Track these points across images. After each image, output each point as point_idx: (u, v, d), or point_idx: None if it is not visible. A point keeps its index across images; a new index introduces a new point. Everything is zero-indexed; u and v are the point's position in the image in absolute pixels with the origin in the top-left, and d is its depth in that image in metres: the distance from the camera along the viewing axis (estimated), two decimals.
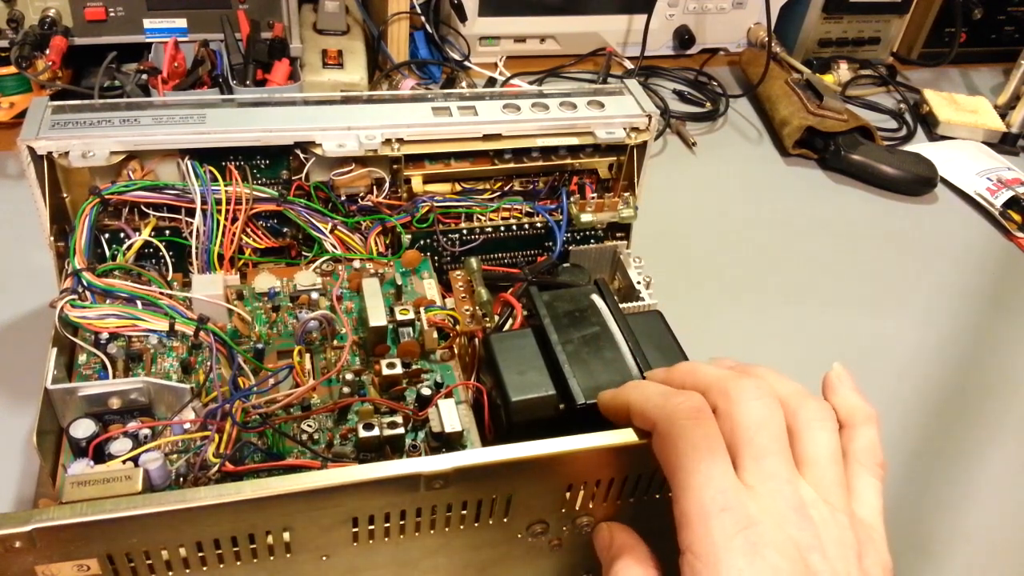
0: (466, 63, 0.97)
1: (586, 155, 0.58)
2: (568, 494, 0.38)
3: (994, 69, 1.17)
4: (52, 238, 0.50)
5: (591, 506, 0.39)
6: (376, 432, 0.42)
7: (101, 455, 0.40)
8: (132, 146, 0.50)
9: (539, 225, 0.58)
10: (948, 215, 0.86)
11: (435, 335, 0.49)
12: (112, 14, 0.78)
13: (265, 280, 0.51)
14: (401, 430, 0.42)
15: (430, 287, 0.53)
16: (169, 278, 0.51)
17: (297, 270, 0.53)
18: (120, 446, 0.39)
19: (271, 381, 0.44)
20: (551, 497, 0.38)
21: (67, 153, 0.48)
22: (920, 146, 0.96)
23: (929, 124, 1.01)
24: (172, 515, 0.32)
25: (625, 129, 0.57)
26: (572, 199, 0.58)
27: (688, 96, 1.00)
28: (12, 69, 0.74)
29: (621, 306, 0.47)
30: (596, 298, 0.46)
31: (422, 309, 0.49)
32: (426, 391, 0.45)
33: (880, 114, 1.03)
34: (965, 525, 0.55)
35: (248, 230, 0.53)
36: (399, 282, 0.51)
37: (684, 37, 1.06)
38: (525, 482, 0.36)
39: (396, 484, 0.34)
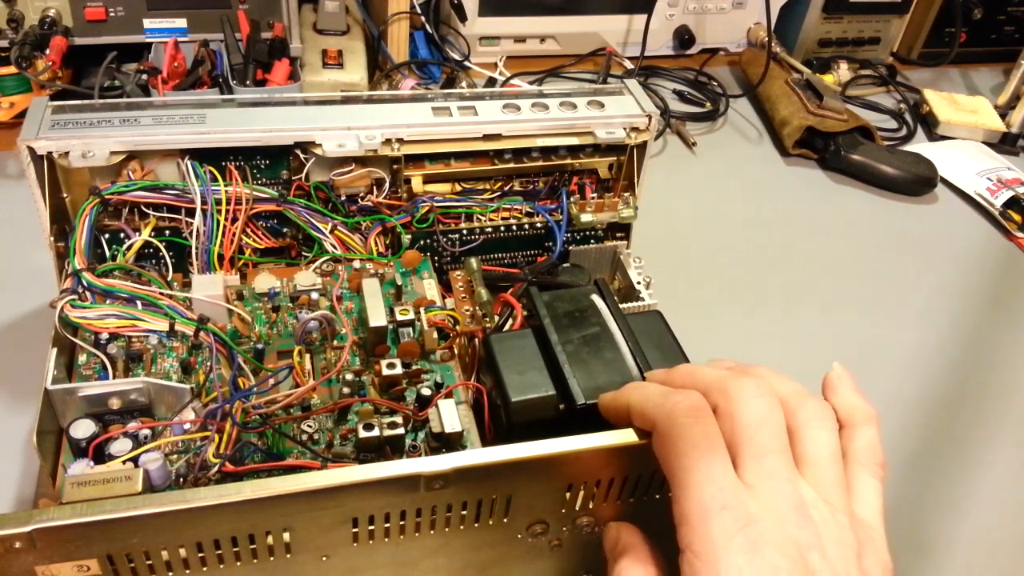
0: (466, 63, 0.97)
1: (586, 155, 0.58)
2: (568, 494, 0.38)
3: (994, 69, 1.17)
4: (52, 238, 0.50)
5: (591, 506, 0.39)
6: (376, 432, 0.42)
7: (101, 455, 0.40)
8: (132, 146, 0.50)
9: (539, 225, 0.58)
10: (948, 215, 0.86)
11: (435, 335, 0.49)
12: (112, 14, 0.78)
13: (265, 280, 0.51)
14: (401, 430, 0.42)
15: (430, 287, 0.53)
16: (169, 278, 0.51)
17: (297, 270, 0.53)
18: (120, 446, 0.39)
19: (271, 381, 0.44)
20: (551, 497, 0.38)
21: (67, 153, 0.48)
22: (920, 146, 0.96)
23: (929, 124, 1.01)
24: (172, 515, 0.32)
25: (625, 129, 0.57)
26: (572, 199, 0.58)
27: (688, 96, 1.00)
28: (12, 69, 0.74)
29: (621, 306, 0.47)
30: (596, 298, 0.46)
31: (422, 309, 0.49)
32: (426, 391, 0.45)
33: (880, 114, 1.03)
34: (965, 525, 0.55)
35: (248, 230, 0.53)
36: (399, 282, 0.51)
37: (684, 37, 1.06)
38: (525, 482, 0.36)
39: (396, 484, 0.34)
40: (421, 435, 0.44)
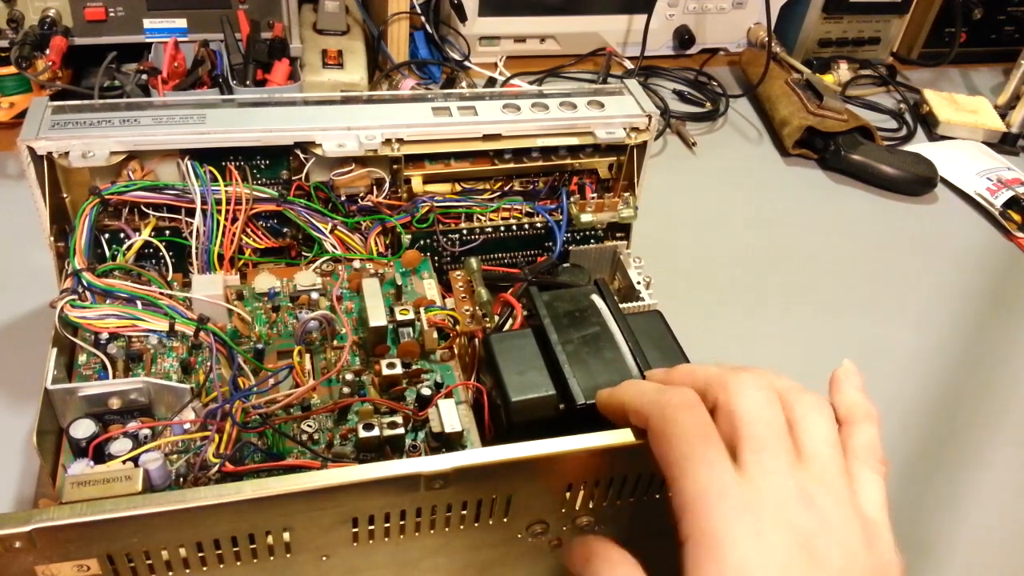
0: (466, 63, 0.97)
1: (586, 155, 0.58)
2: (568, 494, 0.38)
3: (994, 69, 1.17)
4: (52, 238, 0.50)
5: (591, 506, 0.39)
6: (376, 432, 0.42)
7: (101, 455, 0.40)
8: (132, 146, 0.50)
9: (539, 225, 0.58)
10: (948, 215, 0.86)
11: (435, 335, 0.49)
12: (112, 14, 0.77)
13: (265, 280, 0.51)
14: (401, 430, 0.42)
15: (430, 287, 0.53)
16: (169, 278, 0.51)
17: (297, 270, 0.53)
18: (120, 446, 0.39)
19: (271, 381, 0.44)
20: (551, 497, 0.38)
21: (67, 153, 0.48)
22: (920, 146, 0.96)
23: (929, 124, 1.01)
24: (172, 515, 0.32)
25: (625, 129, 0.57)
26: (572, 199, 0.58)
27: (688, 96, 1.00)
28: (12, 69, 0.74)
29: (621, 306, 0.47)
30: (596, 298, 0.46)
31: (422, 309, 0.49)
32: (426, 391, 0.45)
33: (880, 114, 1.03)
34: (965, 525, 0.55)
35: (248, 230, 0.53)
36: (399, 282, 0.51)
37: (684, 37, 1.06)
38: (525, 482, 0.36)
39: (396, 484, 0.34)
40: (421, 435, 0.44)
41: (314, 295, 0.51)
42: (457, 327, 0.50)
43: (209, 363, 0.45)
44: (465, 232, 0.57)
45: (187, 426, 0.42)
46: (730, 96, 1.00)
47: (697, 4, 1.06)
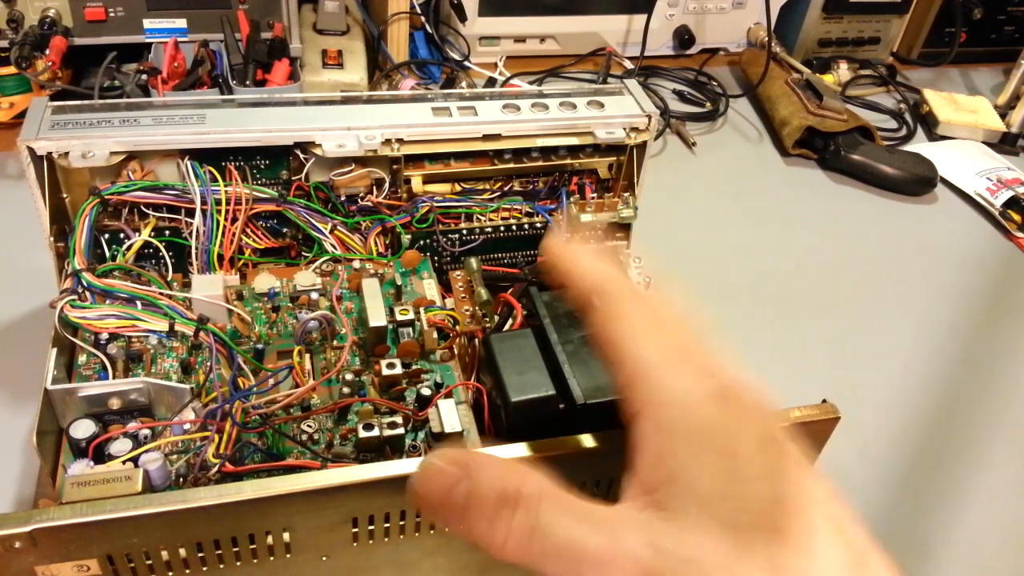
0: (466, 63, 0.97)
1: (586, 155, 0.58)
2: None
3: (994, 69, 1.17)
4: (52, 238, 0.50)
5: None
6: (376, 432, 0.42)
7: (101, 455, 0.40)
8: (132, 146, 0.50)
9: (539, 225, 0.58)
10: (948, 215, 0.86)
11: (435, 335, 0.49)
12: (112, 14, 0.77)
13: (265, 280, 0.51)
14: (401, 430, 0.42)
15: (430, 287, 0.53)
16: (169, 278, 0.51)
17: (297, 270, 0.53)
18: (120, 446, 0.39)
19: (271, 381, 0.44)
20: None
21: (67, 153, 0.48)
22: (920, 146, 0.96)
23: (929, 124, 1.01)
24: (172, 515, 0.32)
25: (625, 129, 0.57)
26: (572, 199, 0.58)
27: (688, 96, 1.00)
28: (12, 69, 0.74)
29: None
30: None
31: (422, 309, 0.49)
32: (426, 391, 0.45)
33: (880, 114, 1.02)
34: (965, 525, 0.55)
35: (248, 230, 0.53)
36: (399, 282, 0.51)
37: (684, 37, 1.06)
38: None
39: (396, 484, 0.34)
40: (421, 435, 0.44)
41: (314, 295, 0.51)
42: (457, 327, 0.50)
43: (209, 363, 0.45)
44: (465, 232, 0.57)
45: (187, 426, 0.42)
46: (730, 96, 1.00)
47: (697, 4, 1.06)
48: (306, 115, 0.53)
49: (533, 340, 0.44)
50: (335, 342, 0.48)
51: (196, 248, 0.51)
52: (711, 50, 1.10)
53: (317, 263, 0.53)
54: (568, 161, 0.58)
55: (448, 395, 0.45)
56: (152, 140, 0.50)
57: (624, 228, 0.60)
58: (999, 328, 0.72)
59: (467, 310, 0.51)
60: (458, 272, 0.55)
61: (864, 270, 0.77)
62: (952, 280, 0.77)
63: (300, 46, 0.83)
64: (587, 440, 0.36)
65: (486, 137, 0.55)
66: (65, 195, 0.51)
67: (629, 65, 1.03)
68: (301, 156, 0.53)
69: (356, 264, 0.53)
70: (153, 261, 0.52)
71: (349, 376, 0.45)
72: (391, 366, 0.45)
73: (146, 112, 0.51)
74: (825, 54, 1.10)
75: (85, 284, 0.47)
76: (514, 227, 0.58)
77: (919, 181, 0.88)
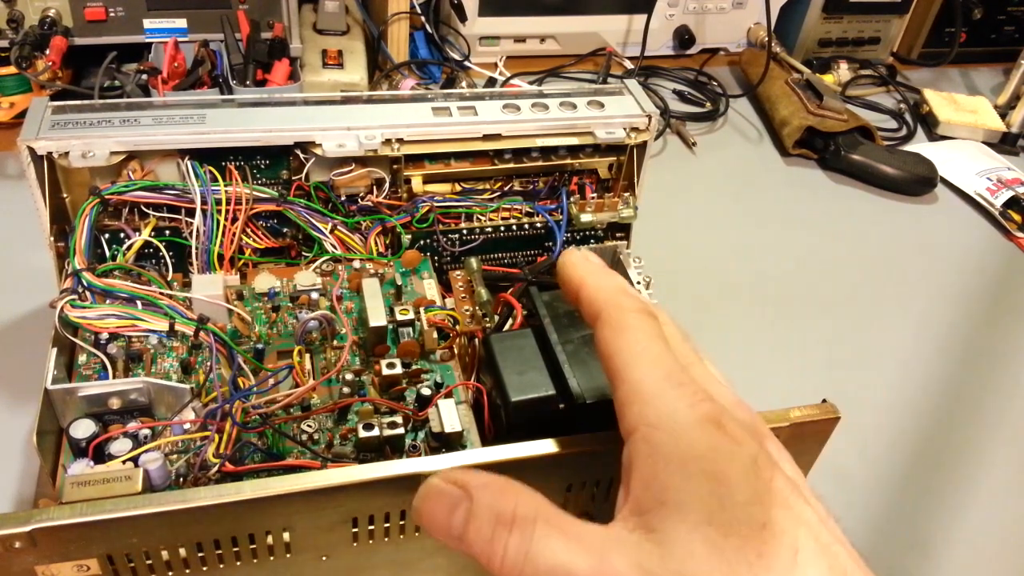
0: (466, 63, 0.97)
1: (586, 155, 0.58)
2: (568, 494, 0.38)
3: (994, 69, 1.17)
4: (52, 238, 0.50)
5: (591, 506, 0.39)
6: (376, 432, 0.42)
7: (101, 455, 0.40)
8: (132, 146, 0.50)
9: (539, 225, 0.58)
10: (948, 215, 0.86)
11: (435, 335, 0.49)
12: (112, 14, 0.77)
13: (265, 280, 0.51)
14: (401, 430, 0.42)
15: (430, 287, 0.53)
16: (169, 278, 0.51)
17: (297, 270, 0.53)
18: (120, 446, 0.39)
19: (271, 381, 0.44)
20: (551, 497, 0.38)
21: (67, 153, 0.48)
22: (920, 146, 0.96)
23: (929, 124, 1.01)
24: (172, 515, 0.32)
25: (625, 129, 0.57)
26: (572, 199, 0.58)
27: (688, 96, 1.00)
28: (12, 69, 0.74)
29: None
30: None
31: (422, 309, 0.49)
32: (426, 391, 0.45)
33: (880, 114, 1.03)
34: (965, 525, 0.55)
35: (248, 230, 0.54)
36: (399, 282, 0.51)
37: (684, 37, 1.06)
38: (525, 482, 0.36)
39: (396, 484, 0.34)
40: (421, 435, 0.44)
41: (314, 295, 0.51)
42: (457, 327, 0.50)
43: (209, 363, 0.45)
44: (465, 232, 0.57)
45: (187, 426, 0.42)
46: (730, 96, 1.00)
47: (697, 4, 1.06)
48: (306, 115, 0.53)
49: (533, 340, 0.44)
50: (335, 342, 0.48)
51: (196, 248, 0.51)
52: (711, 50, 1.10)
53: (317, 263, 0.53)
54: (568, 161, 0.58)
55: (448, 395, 0.45)
56: (152, 140, 0.50)
57: (624, 228, 0.60)
58: (999, 328, 0.72)
59: (467, 310, 0.51)
60: (458, 272, 0.55)
61: (864, 270, 0.77)
62: (952, 280, 0.77)
63: (300, 46, 0.83)
64: (587, 440, 0.36)
65: (486, 137, 0.55)
66: (65, 195, 0.51)
67: (629, 65, 1.03)
68: (301, 156, 0.53)
69: (356, 264, 0.53)
70: (153, 261, 0.52)
71: (349, 376, 0.45)
72: (391, 366, 0.45)
73: (146, 112, 0.51)
74: (825, 54, 1.10)
75: (85, 284, 0.47)
76: (514, 227, 0.58)
77: (919, 181, 0.88)
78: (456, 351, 0.50)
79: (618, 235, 0.61)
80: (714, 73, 1.04)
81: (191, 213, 0.51)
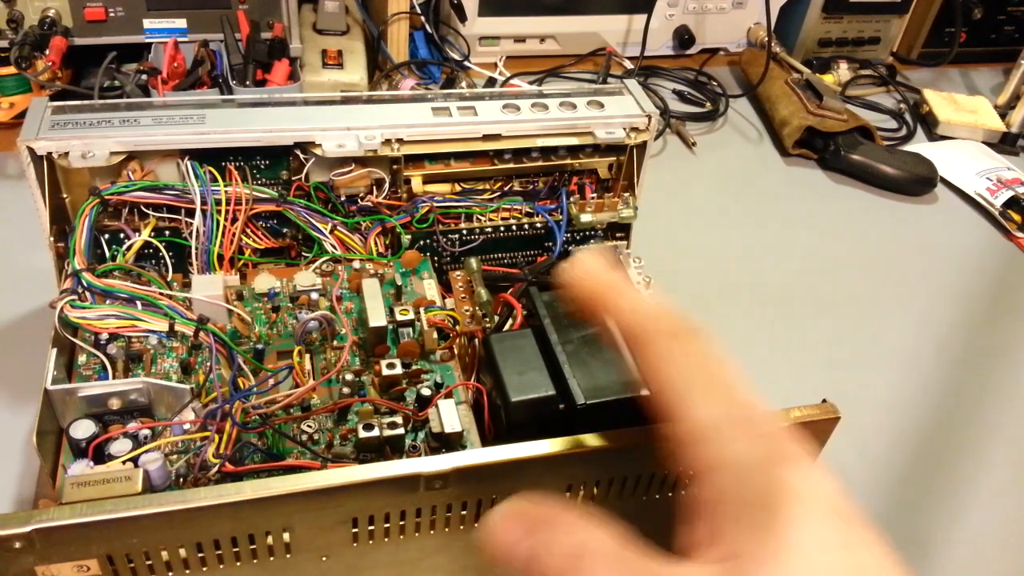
0: (466, 63, 0.97)
1: (586, 155, 0.58)
2: (568, 494, 0.38)
3: (994, 69, 1.17)
4: (52, 238, 0.50)
5: (591, 506, 0.39)
6: (376, 432, 0.42)
7: (101, 456, 0.40)
8: (132, 146, 0.50)
9: (539, 225, 0.58)
10: (948, 215, 0.86)
11: (435, 335, 0.49)
12: (112, 14, 0.77)
13: (265, 280, 0.51)
14: (401, 430, 0.42)
15: (430, 287, 0.53)
16: (169, 278, 0.51)
17: (297, 270, 0.53)
18: (120, 447, 0.39)
19: (271, 381, 0.44)
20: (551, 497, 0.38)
21: (67, 153, 0.48)
22: (920, 146, 0.96)
23: (929, 124, 1.01)
24: (172, 515, 0.32)
25: (625, 129, 0.57)
26: (572, 199, 0.58)
27: (688, 96, 1.00)
28: (12, 69, 0.74)
29: None
30: None
31: (422, 309, 0.49)
32: (426, 391, 0.45)
33: (880, 114, 1.02)
34: (965, 525, 0.55)
35: (248, 230, 0.54)
36: (399, 282, 0.51)
37: (684, 37, 1.06)
38: (525, 482, 0.36)
39: (396, 484, 0.34)
40: (421, 435, 0.44)
41: (314, 295, 0.51)
42: (457, 327, 0.50)
43: (209, 363, 0.45)
44: (465, 232, 0.57)
45: (187, 426, 0.42)
46: (730, 96, 1.00)
47: (697, 4, 1.06)
48: (306, 115, 0.53)
49: (533, 340, 0.44)
50: (335, 342, 0.48)
51: (196, 248, 0.51)
52: (711, 50, 1.10)
53: (317, 263, 0.53)
54: (568, 161, 0.58)
55: (448, 395, 0.45)
56: (152, 140, 0.50)
57: (624, 228, 0.60)
58: (999, 328, 0.72)
59: (467, 310, 0.51)
60: (458, 272, 0.55)
61: (864, 270, 0.77)
62: (952, 280, 0.77)
63: (300, 46, 0.83)
64: (587, 440, 0.36)
65: (486, 137, 0.55)
66: (65, 195, 0.51)
67: (629, 65, 1.03)
68: (301, 156, 0.53)
69: (356, 264, 0.53)
70: (153, 261, 0.52)
71: (349, 376, 0.45)
72: (391, 366, 0.45)
73: (146, 112, 0.51)
74: (825, 54, 1.10)
75: (85, 284, 0.47)
76: (514, 227, 0.58)
77: (919, 181, 0.88)
78: (456, 351, 0.50)
79: (618, 235, 0.61)
80: (714, 73, 1.04)
81: (191, 213, 0.51)
